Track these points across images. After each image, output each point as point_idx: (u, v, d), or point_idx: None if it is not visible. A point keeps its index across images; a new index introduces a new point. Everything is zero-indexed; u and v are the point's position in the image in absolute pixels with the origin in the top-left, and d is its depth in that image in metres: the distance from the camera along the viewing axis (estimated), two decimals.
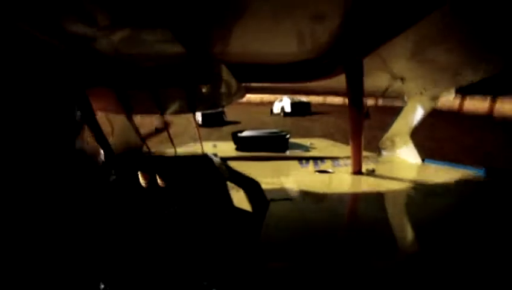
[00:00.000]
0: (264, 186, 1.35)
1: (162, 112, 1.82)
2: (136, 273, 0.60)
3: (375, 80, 1.71)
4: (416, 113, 2.00)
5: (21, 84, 0.52)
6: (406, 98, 2.09)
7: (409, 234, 0.98)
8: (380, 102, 7.46)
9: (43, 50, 0.98)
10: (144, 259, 0.62)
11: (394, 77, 1.71)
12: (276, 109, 15.47)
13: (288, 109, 14.59)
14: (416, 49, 1.34)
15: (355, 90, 1.60)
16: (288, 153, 2.77)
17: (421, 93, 1.89)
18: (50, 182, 0.53)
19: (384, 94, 1.91)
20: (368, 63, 1.42)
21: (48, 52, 1.07)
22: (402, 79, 1.73)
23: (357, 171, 1.70)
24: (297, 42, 1.23)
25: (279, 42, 1.23)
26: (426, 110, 1.95)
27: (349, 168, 1.73)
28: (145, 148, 2.19)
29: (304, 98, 16.30)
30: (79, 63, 1.31)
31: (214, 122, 11.45)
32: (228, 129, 7.20)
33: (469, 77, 1.50)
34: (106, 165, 1.42)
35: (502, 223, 0.96)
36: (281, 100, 15.66)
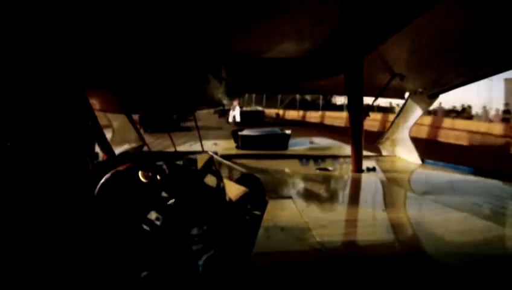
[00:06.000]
0: (264, 184, 1.35)
1: (161, 111, 1.82)
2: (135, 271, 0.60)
3: (373, 78, 1.71)
4: (415, 113, 2.00)
5: (24, 84, 0.52)
6: (406, 95, 2.09)
7: (409, 233, 0.99)
8: None
9: (46, 50, 0.98)
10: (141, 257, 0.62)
11: (393, 74, 1.71)
12: (230, 118, 16.24)
13: (238, 118, 15.28)
14: (416, 47, 1.34)
15: (355, 89, 1.60)
16: (288, 151, 2.77)
17: (421, 92, 1.89)
18: (53, 182, 0.54)
19: (383, 92, 1.90)
20: (366, 61, 1.42)
21: (51, 52, 1.07)
22: (401, 76, 1.72)
23: (358, 170, 1.70)
24: (295, 41, 1.23)
25: (278, 41, 1.23)
26: (425, 109, 1.95)
27: (350, 167, 1.73)
28: (145, 148, 2.19)
29: (259, 108, 17.62)
30: (80, 63, 1.31)
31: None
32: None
33: (469, 76, 1.50)
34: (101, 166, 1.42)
35: (501, 223, 0.97)
36: (233, 110, 16.44)
